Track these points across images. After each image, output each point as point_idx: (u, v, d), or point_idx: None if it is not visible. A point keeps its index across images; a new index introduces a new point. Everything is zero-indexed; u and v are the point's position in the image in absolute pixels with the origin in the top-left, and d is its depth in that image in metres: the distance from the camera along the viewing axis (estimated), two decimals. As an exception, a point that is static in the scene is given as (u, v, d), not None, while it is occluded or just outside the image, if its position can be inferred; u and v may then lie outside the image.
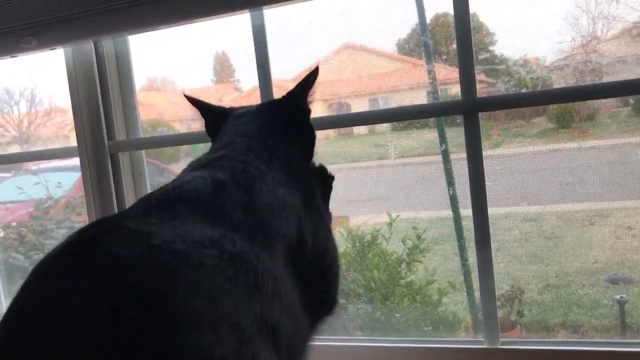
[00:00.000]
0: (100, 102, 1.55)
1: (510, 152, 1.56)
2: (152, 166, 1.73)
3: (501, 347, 1.27)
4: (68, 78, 1.57)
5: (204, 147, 1.53)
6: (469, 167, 1.28)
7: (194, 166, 0.95)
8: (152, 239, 0.71)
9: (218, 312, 0.68)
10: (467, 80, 1.25)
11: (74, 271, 0.68)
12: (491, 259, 1.29)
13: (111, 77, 1.57)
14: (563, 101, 1.33)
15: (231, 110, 1.12)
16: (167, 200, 0.82)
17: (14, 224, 2.08)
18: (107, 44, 1.56)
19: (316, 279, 0.92)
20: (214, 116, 1.13)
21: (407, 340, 1.42)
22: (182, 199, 0.82)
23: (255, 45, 1.40)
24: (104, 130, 1.56)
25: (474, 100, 1.26)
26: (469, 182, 1.27)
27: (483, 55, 1.50)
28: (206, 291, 0.68)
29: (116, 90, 1.58)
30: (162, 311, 0.65)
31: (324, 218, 0.99)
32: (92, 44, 1.54)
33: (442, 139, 1.52)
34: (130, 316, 0.64)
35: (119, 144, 1.58)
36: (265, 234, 0.83)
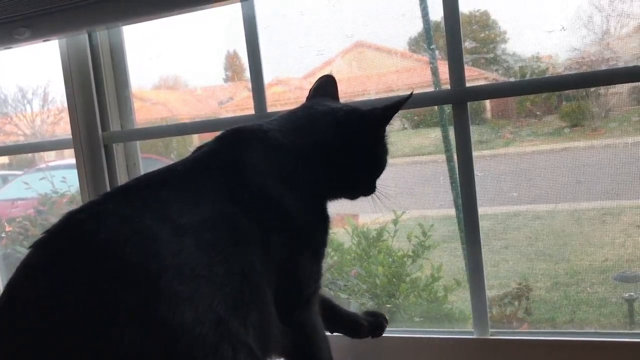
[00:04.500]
0: (94, 93, 1.56)
1: (521, 150, 1.55)
2: (149, 160, 1.74)
3: (490, 337, 1.30)
4: (62, 69, 1.58)
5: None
6: (458, 159, 1.28)
7: (234, 139, 0.97)
8: (135, 224, 0.76)
9: (197, 295, 0.73)
10: (456, 69, 1.24)
11: (64, 258, 0.73)
12: (480, 251, 1.29)
13: (105, 68, 1.58)
14: (555, 89, 1.33)
15: (318, 98, 1.13)
16: (157, 182, 0.88)
17: (19, 218, 2.12)
18: (102, 35, 1.57)
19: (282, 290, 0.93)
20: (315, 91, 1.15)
21: (397, 331, 1.43)
22: (169, 182, 0.87)
23: (246, 36, 1.41)
24: (98, 122, 1.57)
25: (463, 90, 1.25)
26: (458, 176, 1.28)
27: (492, 54, 1.49)
28: (186, 275, 0.74)
29: (110, 82, 1.59)
30: (146, 292, 0.70)
31: (309, 248, 0.97)
32: (87, 36, 1.54)
33: (446, 137, 1.51)
34: (117, 298, 0.69)
35: (113, 135, 1.59)
36: (243, 229, 0.86)
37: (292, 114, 1.06)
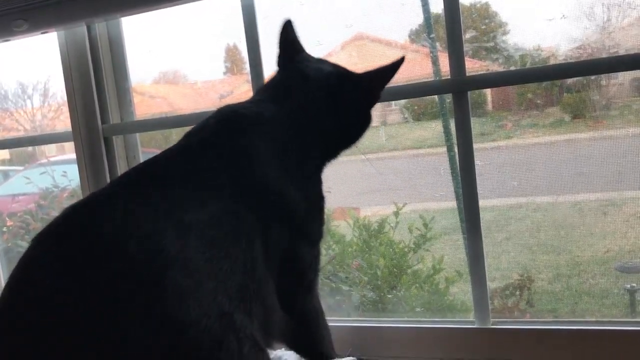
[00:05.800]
0: (94, 85, 1.56)
1: (523, 142, 1.55)
2: (149, 155, 1.73)
3: (492, 326, 1.30)
4: (61, 62, 1.57)
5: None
6: (458, 149, 1.27)
7: (220, 121, 0.97)
8: (138, 218, 0.75)
9: (201, 288, 0.73)
10: (456, 58, 1.23)
11: (66, 254, 0.72)
12: (481, 242, 1.29)
13: (104, 60, 1.58)
14: (556, 78, 1.32)
15: (302, 54, 1.09)
16: (159, 176, 0.87)
17: (20, 213, 2.13)
18: (100, 27, 1.56)
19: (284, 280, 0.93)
20: (286, 50, 1.11)
21: (399, 321, 1.43)
22: (170, 174, 0.87)
23: (245, 27, 1.40)
24: (98, 114, 1.57)
25: (463, 79, 1.24)
26: (459, 167, 1.27)
27: (492, 43, 1.48)
28: (190, 269, 0.73)
29: (109, 74, 1.59)
30: (150, 289, 0.70)
31: (308, 235, 0.98)
32: (85, 28, 1.54)
33: (446, 128, 1.51)
34: (119, 296, 0.68)
35: (113, 127, 1.59)
36: (244, 220, 0.85)
37: (279, 83, 1.04)
